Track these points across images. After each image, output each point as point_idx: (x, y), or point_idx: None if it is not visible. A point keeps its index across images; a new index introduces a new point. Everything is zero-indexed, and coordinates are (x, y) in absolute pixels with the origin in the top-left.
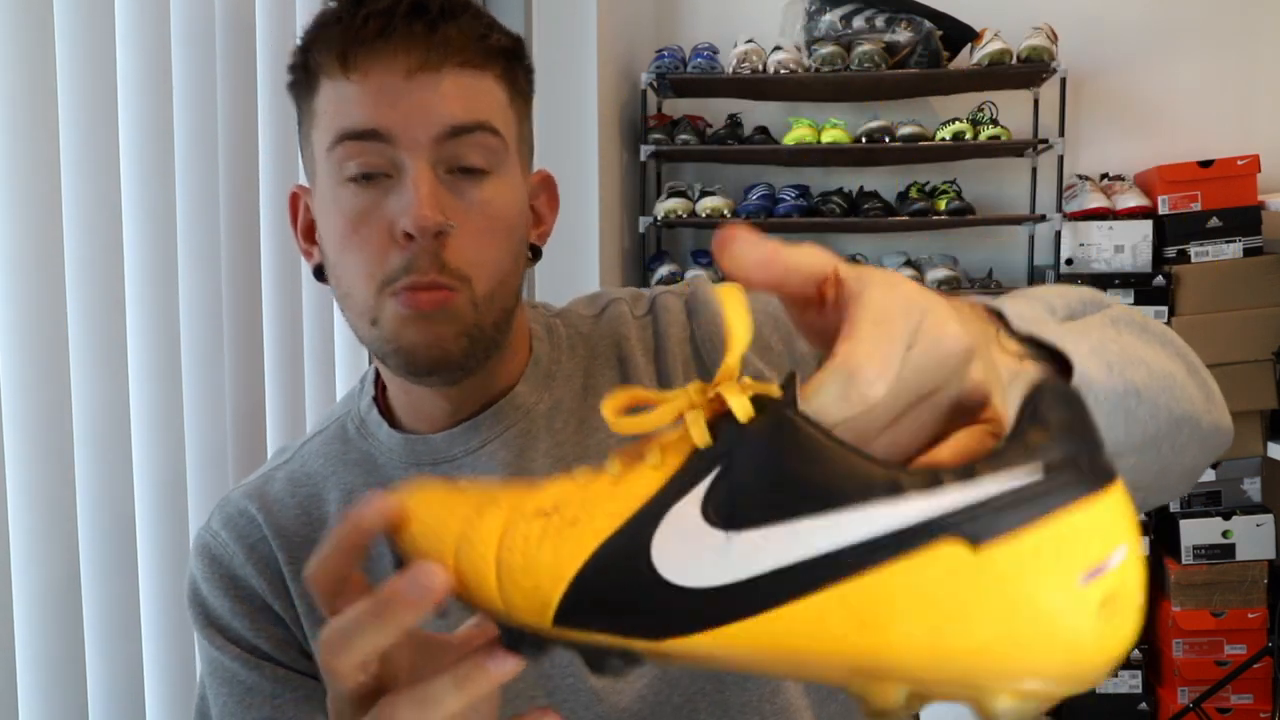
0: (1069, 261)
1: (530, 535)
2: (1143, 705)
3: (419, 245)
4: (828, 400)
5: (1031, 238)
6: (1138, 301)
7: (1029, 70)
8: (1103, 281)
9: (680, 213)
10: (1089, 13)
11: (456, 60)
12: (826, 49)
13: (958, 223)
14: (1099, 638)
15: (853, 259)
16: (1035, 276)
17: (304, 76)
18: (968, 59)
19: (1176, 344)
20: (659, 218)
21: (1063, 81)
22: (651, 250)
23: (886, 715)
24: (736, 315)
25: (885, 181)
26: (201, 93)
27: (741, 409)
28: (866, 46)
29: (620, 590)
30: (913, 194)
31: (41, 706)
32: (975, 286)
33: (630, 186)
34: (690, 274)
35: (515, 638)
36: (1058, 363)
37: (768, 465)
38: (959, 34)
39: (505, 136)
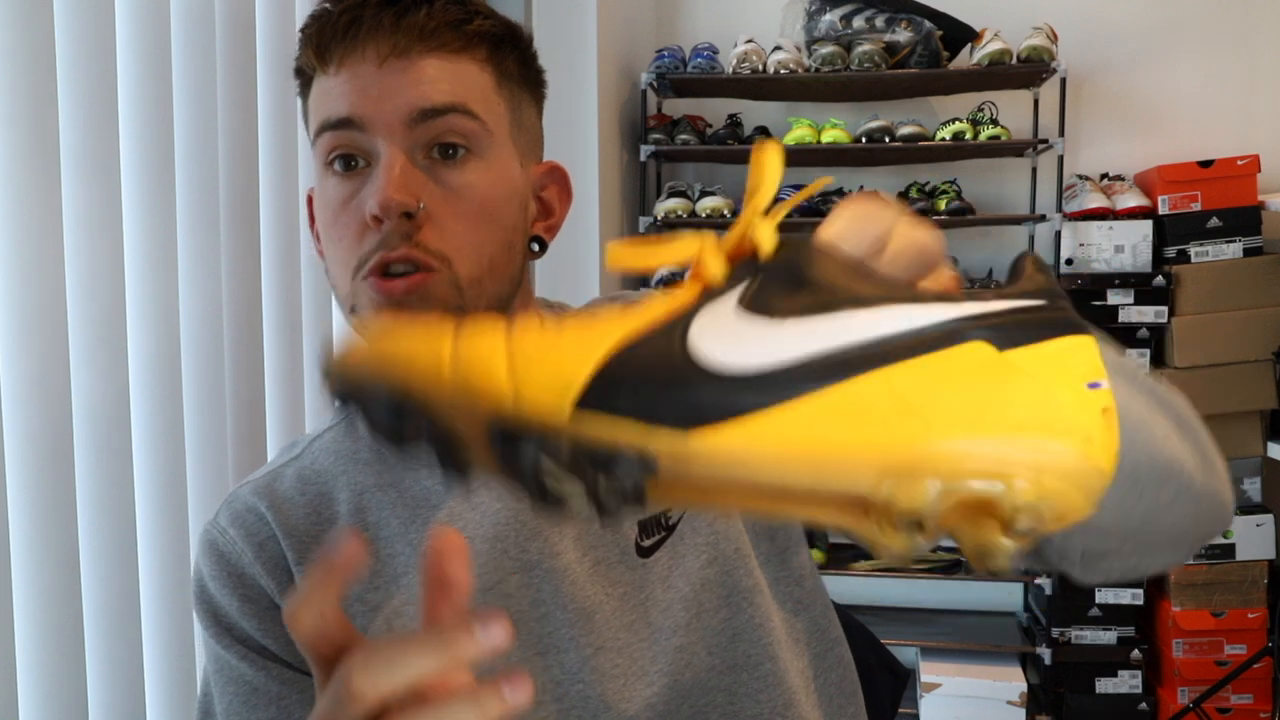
0: (1069, 261)
1: (545, 333)
2: (1143, 705)
3: (389, 226)
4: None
5: (1031, 238)
6: (1138, 301)
7: (1029, 70)
8: (1103, 281)
9: (680, 213)
10: (1089, 13)
11: (428, 45)
12: (826, 49)
13: (958, 223)
14: (1103, 437)
15: None
16: None
17: (300, 80)
18: (968, 59)
19: (1172, 404)
20: (659, 218)
21: (1063, 81)
22: None
23: (903, 542)
24: (772, 167)
25: (885, 181)
26: (201, 93)
27: (767, 242)
28: (866, 46)
29: (653, 373)
30: (913, 194)
31: (41, 707)
32: (975, 286)
33: (630, 186)
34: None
35: (512, 441)
36: None
37: (804, 272)
38: (959, 34)
39: (485, 120)
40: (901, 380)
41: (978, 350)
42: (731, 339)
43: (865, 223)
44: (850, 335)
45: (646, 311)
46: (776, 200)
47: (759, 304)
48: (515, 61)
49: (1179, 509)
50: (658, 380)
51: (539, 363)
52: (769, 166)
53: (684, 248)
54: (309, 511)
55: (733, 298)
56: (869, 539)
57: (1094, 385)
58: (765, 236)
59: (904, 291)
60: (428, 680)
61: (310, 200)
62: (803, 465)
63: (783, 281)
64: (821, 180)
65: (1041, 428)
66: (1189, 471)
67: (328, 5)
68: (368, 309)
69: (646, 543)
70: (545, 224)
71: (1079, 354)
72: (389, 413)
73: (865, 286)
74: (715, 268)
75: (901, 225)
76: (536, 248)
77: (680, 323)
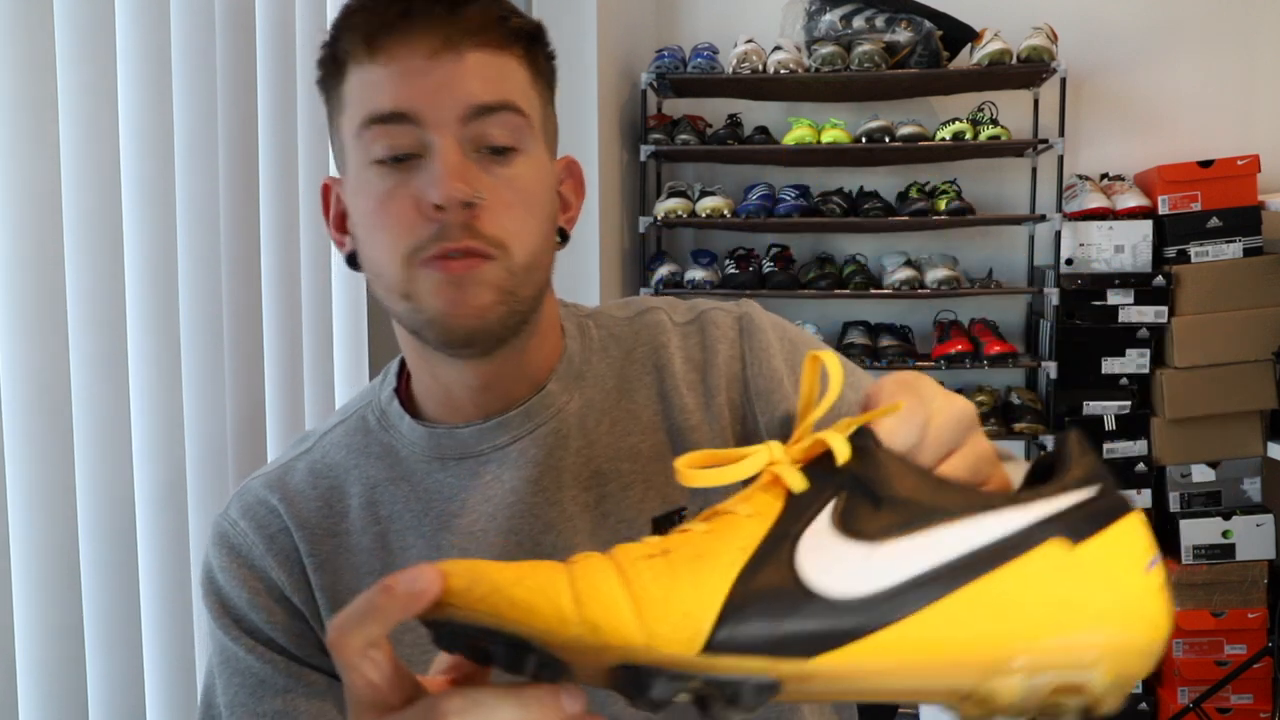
0: (1069, 261)
1: (658, 572)
2: (1143, 705)
3: (449, 216)
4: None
5: (1031, 238)
6: (1138, 301)
7: (1029, 70)
8: (1103, 281)
9: (680, 213)
10: (1089, 13)
11: (477, 40)
12: (826, 49)
13: (958, 223)
14: (1165, 614)
15: (853, 259)
16: (1035, 276)
17: (332, 67)
18: (968, 59)
19: None
20: (659, 218)
21: (1063, 81)
22: (651, 250)
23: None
24: (832, 376)
25: (885, 181)
26: (202, 94)
27: (841, 451)
28: (866, 46)
29: (774, 608)
30: (913, 194)
31: (41, 707)
32: (975, 286)
33: (630, 186)
34: (690, 274)
35: (643, 678)
36: None
37: (889, 488)
38: (959, 34)
39: (530, 116)
40: (994, 589)
41: (1054, 550)
42: (836, 565)
43: (910, 414)
44: (942, 552)
45: (743, 531)
46: (776, 212)
47: (851, 526)
48: (544, 58)
49: None
50: (778, 614)
51: (665, 608)
52: (831, 374)
53: (754, 461)
54: (321, 505)
55: (825, 517)
56: (967, 718)
57: (1151, 564)
58: (840, 448)
59: (978, 499)
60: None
61: (326, 190)
62: (913, 673)
63: (866, 499)
64: (891, 408)
65: (1118, 616)
66: None
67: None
68: (426, 294)
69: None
70: (565, 216)
71: (1134, 536)
72: (509, 655)
73: (941, 497)
74: (795, 482)
75: (937, 401)
76: (560, 239)
77: (784, 545)
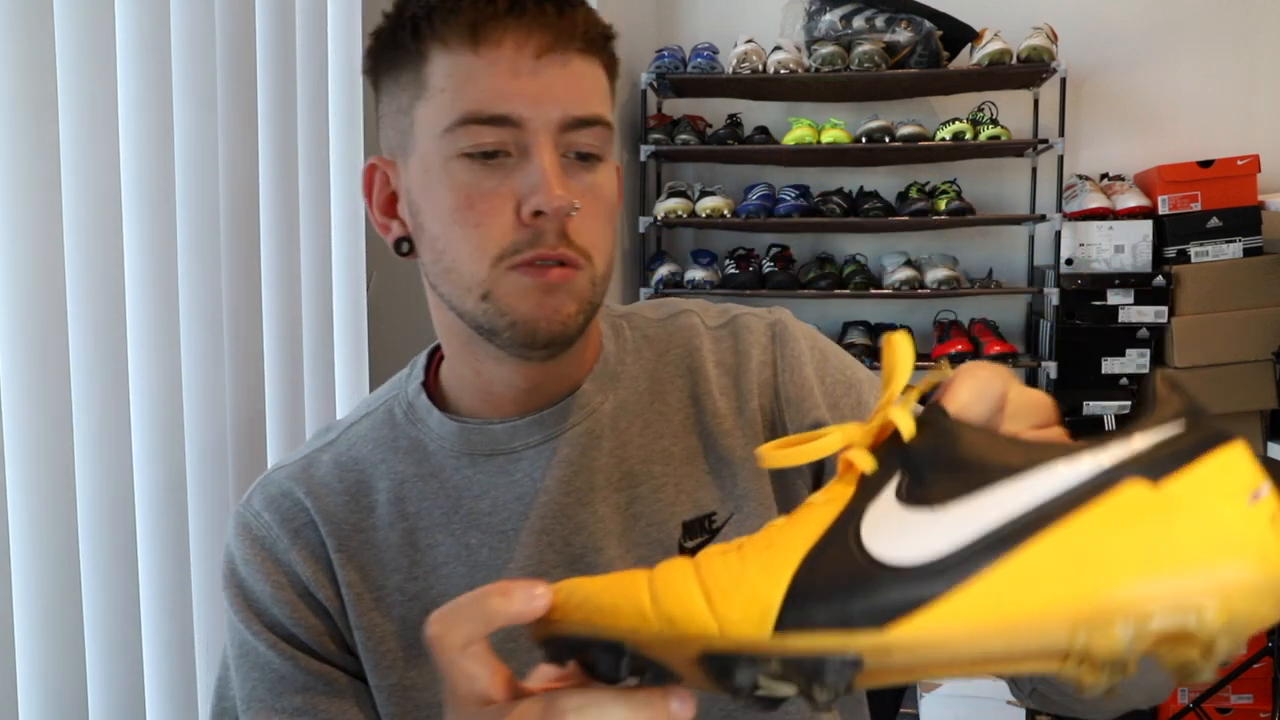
0: (1069, 261)
1: (729, 563)
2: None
3: (547, 222)
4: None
5: (1031, 238)
6: (1138, 301)
7: (1029, 70)
8: (1103, 281)
9: (680, 213)
10: (1089, 13)
11: (579, 45)
12: (826, 49)
13: (958, 223)
14: (1277, 545)
15: (853, 259)
16: (1035, 276)
17: (413, 43)
18: (968, 59)
19: None
20: (659, 218)
21: (1062, 81)
22: (651, 250)
23: (1108, 678)
24: (904, 357)
25: (885, 181)
26: (202, 95)
27: (907, 427)
28: (866, 46)
29: (840, 582)
30: (913, 194)
31: (42, 707)
32: (975, 286)
33: (630, 186)
34: (690, 274)
35: (726, 665)
36: None
37: (951, 453)
38: (959, 34)
39: (613, 128)
40: (1069, 538)
41: (1133, 492)
42: (900, 533)
43: (985, 388)
44: (1010, 505)
45: (814, 518)
46: (776, 212)
47: (915, 495)
48: (616, 67)
49: None
50: (844, 588)
51: (733, 594)
52: (901, 356)
53: (830, 442)
54: (348, 499)
55: (890, 492)
56: (1073, 681)
57: (1256, 495)
58: (905, 423)
59: (1047, 450)
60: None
61: (371, 171)
62: (995, 635)
63: (932, 468)
64: (939, 373)
65: (1216, 553)
66: None
67: None
68: (511, 297)
69: (690, 544)
70: None
71: (1234, 467)
72: (607, 660)
73: (1009, 454)
74: (864, 463)
75: (1015, 386)
76: None
77: (850, 525)
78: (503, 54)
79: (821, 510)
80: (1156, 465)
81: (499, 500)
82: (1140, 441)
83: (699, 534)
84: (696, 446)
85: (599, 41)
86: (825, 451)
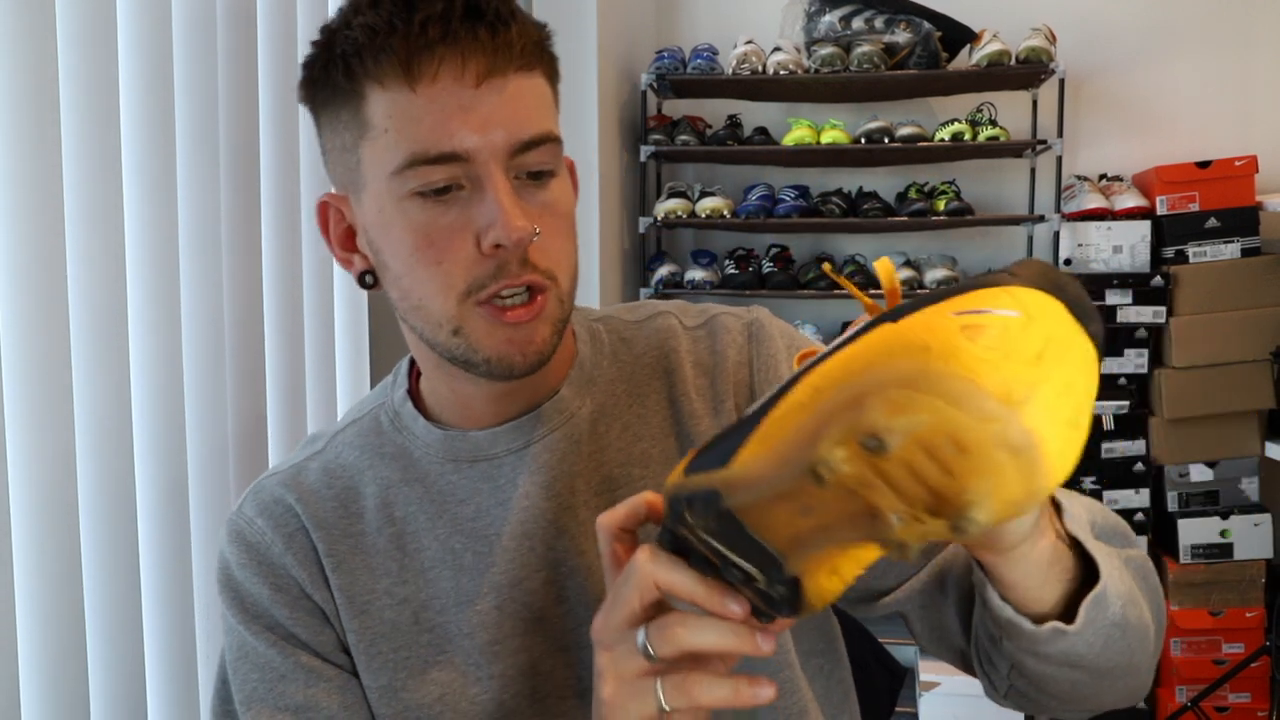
0: (1068, 262)
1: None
2: (1141, 704)
3: (508, 253)
4: None
5: (1030, 238)
6: (1136, 301)
7: (1028, 71)
8: (1101, 282)
9: (680, 213)
10: (1088, 14)
11: (516, 65)
12: (826, 50)
13: (957, 223)
14: (952, 348)
15: (852, 259)
16: None
17: (348, 83)
18: (966, 60)
19: (1159, 600)
20: (659, 218)
21: (1061, 82)
22: (651, 250)
23: (913, 532)
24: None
25: (884, 182)
26: (203, 99)
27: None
28: (866, 47)
29: (713, 441)
30: (912, 194)
31: (43, 708)
32: None
33: (630, 187)
34: (690, 274)
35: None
36: (1085, 568)
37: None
38: (958, 35)
39: (560, 139)
40: (816, 378)
41: (880, 331)
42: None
43: None
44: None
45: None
46: (776, 212)
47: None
48: (557, 64)
49: (1116, 692)
50: (712, 442)
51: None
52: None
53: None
54: (336, 505)
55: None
56: (887, 540)
57: (963, 313)
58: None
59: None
60: (696, 599)
61: (324, 208)
62: (776, 461)
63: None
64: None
65: (903, 354)
66: (1144, 670)
67: (396, 11)
68: (480, 333)
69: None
70: None
71: (965, 301)
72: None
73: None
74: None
75: None
76: None
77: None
78: (441, 88)
79: None
80: (904, 310)
81: (482, 505)
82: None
83: None
84: (674, 449)
85: (536, 51)
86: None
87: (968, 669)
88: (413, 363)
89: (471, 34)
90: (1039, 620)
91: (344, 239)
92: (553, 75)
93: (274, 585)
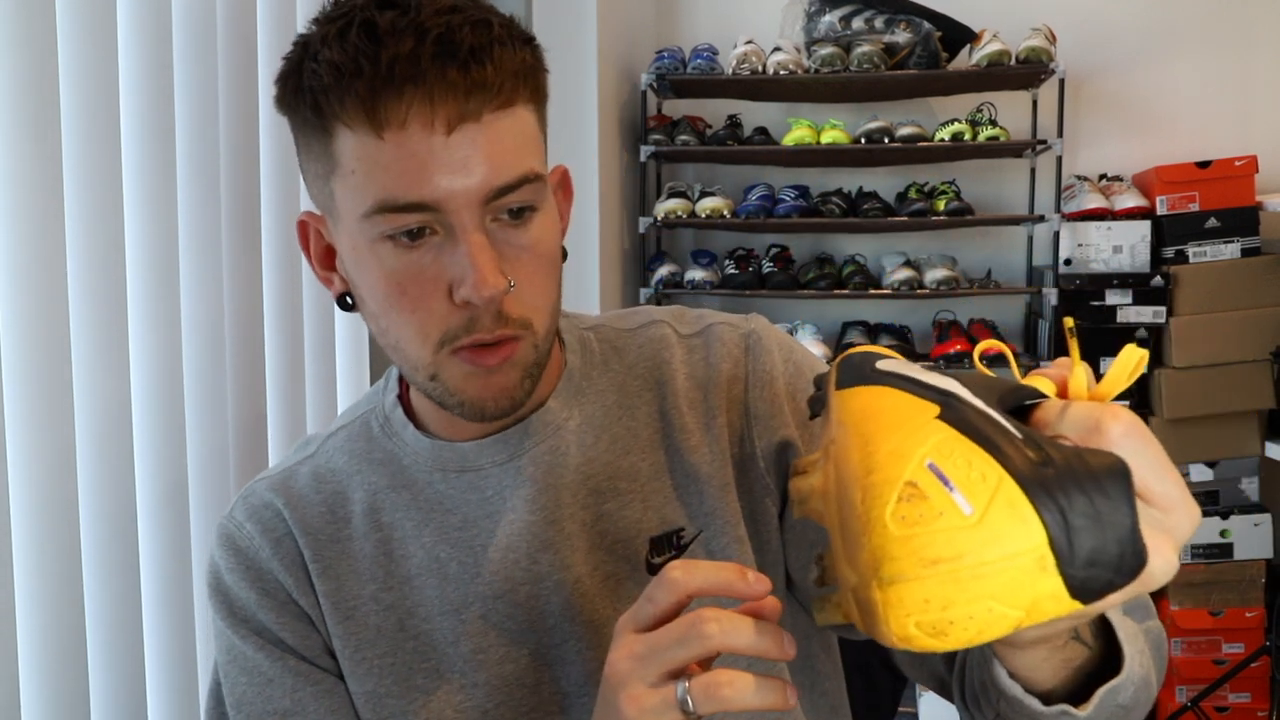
0: (1068, 262)
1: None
2: None
3: (480, 310)
4: None
5: (1030, 238)
6: (1136, 302)
7: (1028, 71)
8: (1101, 282)
9: (680, 213)
10: (1087, 14)
11: (494, 104)
12: (826, 50)
13: (957, 223)
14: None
15: (852, 259)
16: (1034, 276)
17: (314, 119)
18: (966, 60)
19: (1164, 666)
20: (659, 218)
21: (1061, 82)
22: (651, 250)
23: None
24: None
25: (884, 182)
26: (203, 99)
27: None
28: (866, 47)
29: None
30: (912, 194)
31: (44, 711)
32: (974, 287)
33: (630, 187)
34: (690, 274)
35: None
36: (1106, 643)
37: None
38: (958, 35)
39: (543, 174)
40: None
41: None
42: None
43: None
44: None
45: None
46: (776, 212)
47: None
48: (543, 80)
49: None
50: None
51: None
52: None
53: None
54: (324, 510)
55: None
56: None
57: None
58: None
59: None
60: (721, 588)
61: (304, 227)
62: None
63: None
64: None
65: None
66: (1153, 686)
67: (362, 49)
68: (455, 380)
69: (657, 560)
70: (562, 233)
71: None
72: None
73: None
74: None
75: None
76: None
77: None
78: (408, 134)
79: None
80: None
81: (469, 516)
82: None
83: (666, 550)
84: (663, 462)
85: (516, 83)
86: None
87: (944, 695)
88: None
89: (440, 75)
90: (1046, 698)
91: (323, 257)
92: (538, 100)
93: (261, 590)
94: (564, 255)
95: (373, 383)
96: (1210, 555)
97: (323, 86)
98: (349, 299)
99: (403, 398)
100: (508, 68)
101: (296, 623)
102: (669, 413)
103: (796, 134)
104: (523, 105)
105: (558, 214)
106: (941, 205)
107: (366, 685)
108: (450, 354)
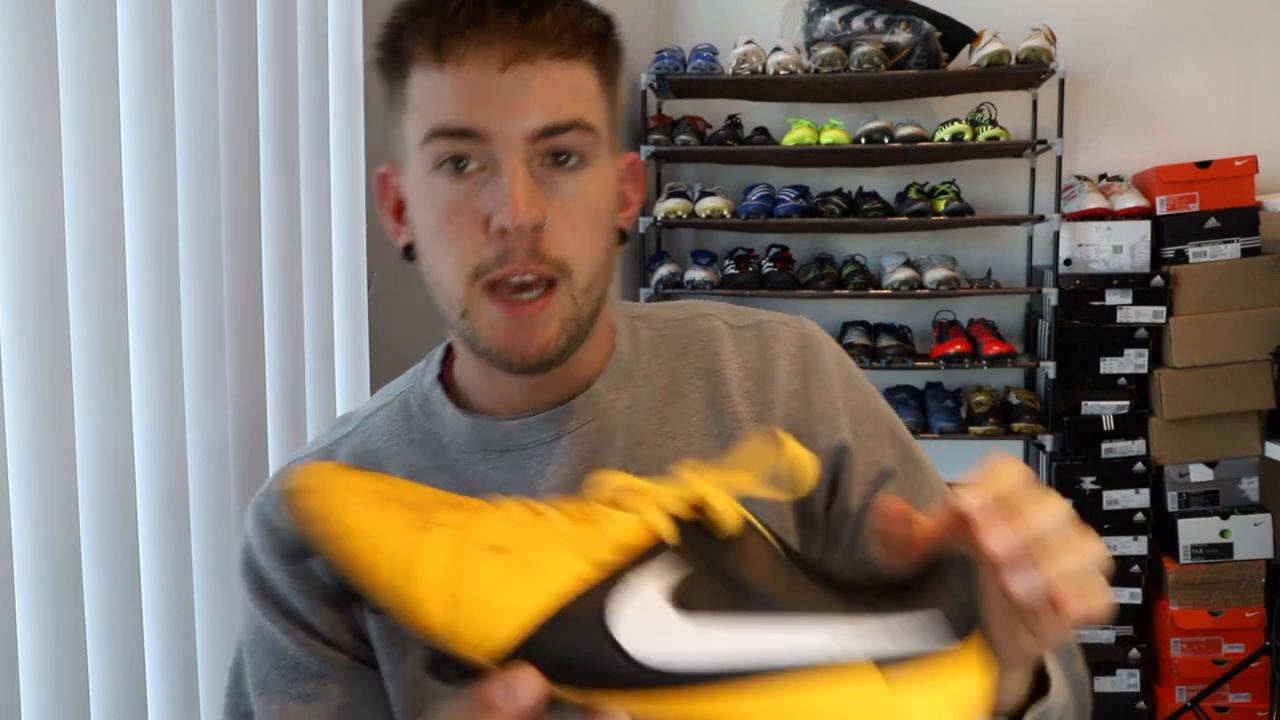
0: (1067, 262)
1: (485, 573)
2: (1141, 704)
3: (514, 240)
4: None
5: (1030, 238)
6: (1136, 302)
7: (1027, 71)
8: (1101, 282)
9: (680, 213)
10: (1087, 14)
11: (550, 51)
12: (826, 50)
13: (957, 223)
14: None
15: (852, 259)
16: (1034, 276)
17: (395, 61)
18: (966, 60)
19: (1086, 715)
20: (659, 218)
21: (1061, 82)
22: (651, 250)
23: None
24: (766, 456)
25: (884, 182)
26: (203, 98)
27: (732, 517)
28: (866, 48)
29: (576, 653)
30: (912, 194)
31: (44, 711)
32: (974, 287)
33: None
34: (690, 274)
35: (439, 661)
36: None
37: (738, 569)
38: (958, 35)
39: (597, 129)
40: (788, 705)
41: (869, 682)
42: (650, 632)
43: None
44: (755, 649)
45: (589, 559)
46: (776, 212)
47: (684, 599)
48: (613, 57)
49: None
50: (578, 660)
51: (473, 618)
52: (763, 455)
53: (628, 526)
54: None
55: (663, 586)
56: None
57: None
58: (729, 514)
59: (820, 601)
60: None
61: (383, 179)
62: None
63: (715, 576)
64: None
65: None
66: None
67: None
68: (485, 323)
69: None
70: (624, 215)
71: (959, 683)
72: (339, 583)
73: (781, 589)
74: (666, 532)
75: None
76: (619, 240)
77: (603, 598)
78: (466, 70)
79: (600, 548)
80: (896, 665)
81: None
82: (889, 640)
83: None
84: (712, 449)
85: (578, 39)
86: (643, 533)
87: None
88: (447, 350)
89: (501, 19)
90: None
91: (395, 210)
92: (604, 68)
93: (294, 572)
94: (623, 239)
95: (373, 384)
96: (1210, 555)
97: (400, 30)
98: (411, 249)
99: (443, 377)
100: (566, 22)
101: (327, 608)
102: (720, 401)
103: (796, 134)
104: (584, 65)
105: (615, 182)
106: (941, 205)
107: (401, 667)
108: (483, 291)
